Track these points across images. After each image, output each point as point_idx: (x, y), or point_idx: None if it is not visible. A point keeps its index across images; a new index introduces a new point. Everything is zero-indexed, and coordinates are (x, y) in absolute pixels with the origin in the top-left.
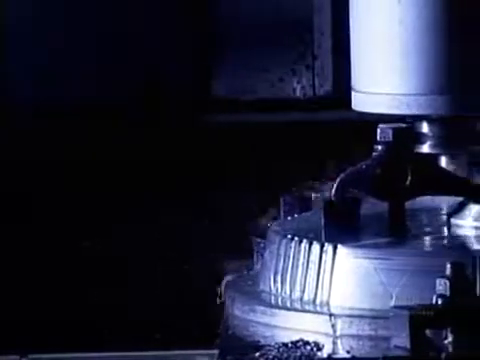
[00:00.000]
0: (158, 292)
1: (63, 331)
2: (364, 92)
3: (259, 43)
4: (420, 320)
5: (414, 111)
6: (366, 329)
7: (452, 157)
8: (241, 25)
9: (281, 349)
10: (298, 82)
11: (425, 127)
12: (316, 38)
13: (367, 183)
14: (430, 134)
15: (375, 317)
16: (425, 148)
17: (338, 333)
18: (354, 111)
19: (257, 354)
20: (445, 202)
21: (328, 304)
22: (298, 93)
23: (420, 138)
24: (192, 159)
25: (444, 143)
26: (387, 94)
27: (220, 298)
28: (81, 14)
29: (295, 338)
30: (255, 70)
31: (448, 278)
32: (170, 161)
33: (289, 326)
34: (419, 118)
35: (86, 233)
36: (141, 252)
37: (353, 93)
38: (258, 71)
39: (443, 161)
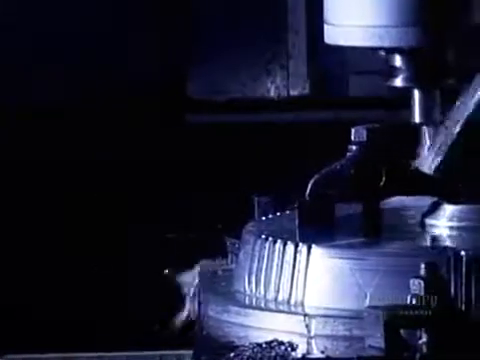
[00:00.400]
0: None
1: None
2: (336, 25)
3: (233, 43)
4: (394, 320)
5: (386, 43)
6: (341, 329)
7: (425, 91)
8: (215, 25)
9: (255, 349)
10: (272, 82)
11: (398, 60)
12: (290, 38)
13: (341, 184)
14: (403, 67)
15: (350, 317)
16: (398, 82)
17: (312, 333)
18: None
19: (231, 354)
20: (420, 202)
21: (302, 304)
22: (272, 93)
23: (393, 71)
24: (166, 159)
25: (417, 76)
26: (359, 26)
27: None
28: (58, 15)
29: (269, 338)
30: (229, 70)
31: (422, 278)
32: (143, 161)
33: (263, 326)
34: (392, 51)
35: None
36: (114, 250)
37: (325, 26)
38: (232, 71)
39: (416, 95)
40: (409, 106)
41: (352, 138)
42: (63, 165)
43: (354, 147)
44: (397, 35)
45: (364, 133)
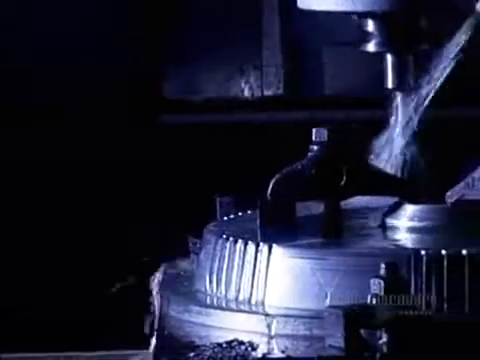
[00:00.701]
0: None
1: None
2: None
3: (208, 43)
4: (354, 320)
5: (359, 8)
6: (301, 329)
7: (398, 56)
8: (190, 25)
9: (216, 349)
10: (246, 82)
11: (370, 25)
12: (264, 38)
13: (302, 183)
14: (376, 32)
15: (310, 317)
16: (371, 47)
17: (273, 333)
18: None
19: (192, 354)
20: (381, 202)
21: (263, 304)
22: (246, 93)
23: (366, 37)
24: (142, 159)
25: (390, 41)
26: None
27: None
28: (32, 13)
29: (230, 338)
30: (203, 70)
31: (382, 278)
32: (120, 161)
33: (224, 326)
34: (365, 15)
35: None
36: (85, 249)
37: None
38: (206, 71)
39: (389, 59)
40: (384, 106)
41: (313, 138)
42: (40, 165)
43: (315, 147)
44: None
45: (325, 133)
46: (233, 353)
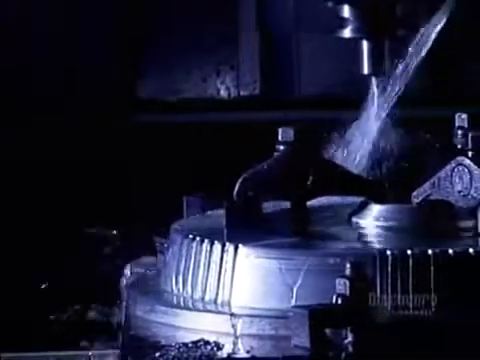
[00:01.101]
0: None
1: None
2: None
3: (183, 43)
4: (320, 319)
5: None
6: (267, 329)
7: (374, 42)
8: (165, 24)
9: (181, 349)
10: (222, 82)
11: (346, 11)
12: (240, 38)
13: (269, 183)
14: (351, 18)
15: (276, 317)
16: (346, 33)
17: (239, 333)
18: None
19: (157, 354)
20: (347, 202)
21: (229, 304)
22: (222, 93)
23: (342, 23)
24: (117, 159)
25: (366, 27)
26: None
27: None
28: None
29: (196, 338)
30: (179, 70)
31: (348, 278)
32: (95, 161)
33: (191, 326)
34: (341, 1)
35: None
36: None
37: None
38: (182, 71)
39: (365, 45)
40: (358, 108)
41: (279, 138)
42: (17, 165)
43: (282, 147)
44: None
45: (291, 133)
46: (199, 353)
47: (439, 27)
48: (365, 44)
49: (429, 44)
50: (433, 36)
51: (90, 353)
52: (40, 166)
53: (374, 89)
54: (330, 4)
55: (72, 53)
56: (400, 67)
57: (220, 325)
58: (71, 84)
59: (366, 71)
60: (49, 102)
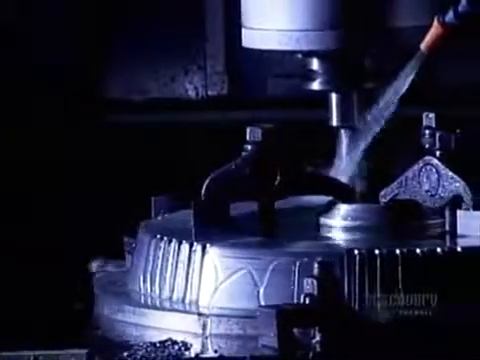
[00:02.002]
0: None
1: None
2: (253, 28)
3: (151, 43)
4: (287, 319)
5: (303, 47)
6: (234, 328)
7: (342, 94)
8: (132, 24)
9: (149, 349)
10: (190, 82)
11: (315, 64)
12: (208, 37)
13: (237, 183)
14: (320, 71)
15: (243, 316)
16: (315, 85)
17: (207, 333)
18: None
19: (125, 354)
20: (315, 201)
21: (197, 304)
22: (190, 93)
23: (310, 75)
24: (83, 159)
25: (334, 80)
26: (277, 30)
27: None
28: None
29: (164, 338)
30: (147, 70)
31: (316, 278)
32: (61, 161)
33: (158, 326)
34: (309, 54)
35: None
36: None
37: (243, 30)
38: (150, 71)
39: (333, 98)
40: (327, 106)
41: (247, 138)
42: None
43: (249, 147)
44: (314, 39)
45: (259, 133)
46: (166, 353)
47: (409, 80)
48: (334, 97)
49: (399, 97)
50: (404, 89)
51: (56, 353)
52: (7, 167)
53: (343, 141)
54: (299, 56)
55: (38, 54)
56: (369, 119)
57: (188, 325)
58: (37, 85)
59: (335, 123)
60: (16, 102)
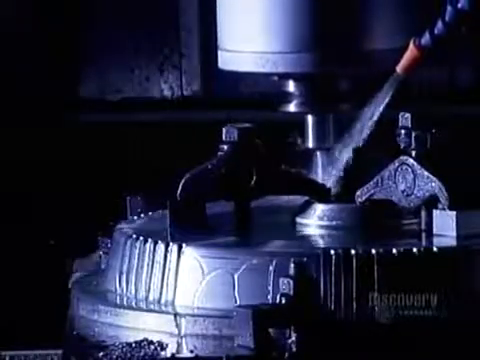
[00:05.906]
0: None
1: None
2: (230, 51)
3: (125, 42)
4: (263, 319)
5: (280, 69)
6: (210, 328)
7: (318, 116)
8: (107, 25)
9: (125, 349)
10: (165, 82)
11: (291, 86)
12: (183, 37)
13: (212, 183)
14: (296, 93)
15: (220, 317)
16: (292, 107)
17: (183, 333)
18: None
19: (101, 354)
20: (291, 201)
21: (173, 304)
22: (166, 92)
23: (287, 97)
24: (58, 159)
25: (310, 102)
26: (253, 52)
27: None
28: None
29: (140, 338)
30: (122, 70)
31: (291, 277)
32: (36, 161)
33: (134, 326)
34: (285, 76)
35: None
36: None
37: (220, 52)
38: (125, 71)
39: (309, 120)
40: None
41: (223, 137)
42: None
43: (225, 146)
44: (291, 61)
45: (235, 133)
46: (142, 353)
47: (385, 102)
48: (310, 118)
49: (375, 119)
50: (380, 111)
51: (33, 353)
52: None
53: (318, 163)
54: (275, 78)
55: (11, 53)
56: (346, 141)
57: (164, 325)
58: (10, 85)
59: (311, 145)
60: None
